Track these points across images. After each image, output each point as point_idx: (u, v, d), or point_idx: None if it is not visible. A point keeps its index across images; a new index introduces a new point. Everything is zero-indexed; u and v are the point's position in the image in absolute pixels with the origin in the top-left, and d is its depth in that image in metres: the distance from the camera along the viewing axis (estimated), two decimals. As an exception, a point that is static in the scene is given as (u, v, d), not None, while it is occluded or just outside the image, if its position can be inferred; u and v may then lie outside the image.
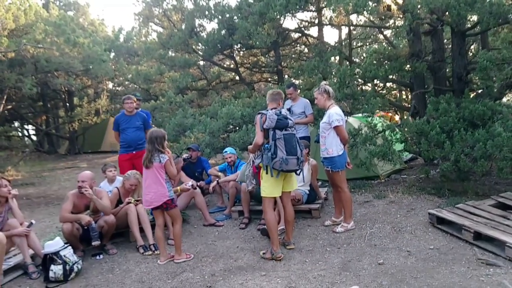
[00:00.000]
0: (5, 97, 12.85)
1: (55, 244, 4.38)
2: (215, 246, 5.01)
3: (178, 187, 5.67)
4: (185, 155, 6.56)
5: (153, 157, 4.40)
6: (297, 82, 9.53)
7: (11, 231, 4.35)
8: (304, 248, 4.63)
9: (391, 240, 4.61)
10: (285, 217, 4.67)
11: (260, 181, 4.97)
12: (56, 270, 4.20)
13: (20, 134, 21.16)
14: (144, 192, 4.55)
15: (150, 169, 4.43)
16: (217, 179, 6.48)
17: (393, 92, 11.96)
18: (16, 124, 20.10)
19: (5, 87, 11.52)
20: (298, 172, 4.44)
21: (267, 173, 4.33)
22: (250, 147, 4.60)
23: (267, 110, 4.41)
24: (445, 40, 9.13)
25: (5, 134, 16.61)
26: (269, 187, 4.40)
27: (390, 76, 7.81)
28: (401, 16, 7.12)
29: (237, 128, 8.46)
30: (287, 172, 4.37)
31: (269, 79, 15.20)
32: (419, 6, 6.51)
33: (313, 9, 10.51)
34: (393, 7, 7.07)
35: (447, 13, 6.76)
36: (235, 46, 12.31)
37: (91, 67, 12.92)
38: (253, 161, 4.74)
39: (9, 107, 15.27)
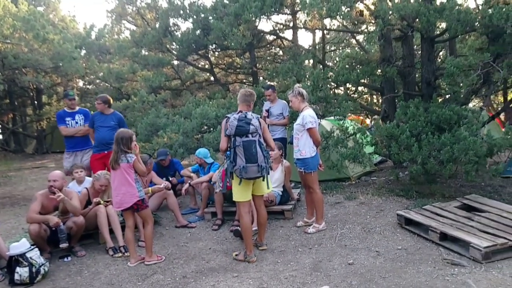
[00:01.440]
0: (-31, 93, 12.39)
1: (21, 245, 4.23)
2: (187, 248, 4.98)
3: (150, 188, 5.62)
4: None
5: (120, 158, 4.32)
6: (272, 84, 9.58)
7: (-26, 232, 4.19)
8: (276, 249, 4.66)
9: (361, 241, 4.70)
10: (258, 219, 4.66)
11: (226, 184, 5.00)
12: (22, 272, 4.06)
13: (-16, 132, 20.38)
14: (113, 194, 4.46)
15: (118, 170, 4.34)
16: (190, 181, 6.45)
17: (364, 96, 12.19)
18: (-19, 121, 19.36)
19: (-30, 83, 11.10)
20: (263, 179, 4.40)
21: (232, 178, 4.31)
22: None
23: (232, 114, 4.33)
24: (415, 46, 9.39)
25: (-31, 132, 15.99)
26: (239, 192, 4.35)
27: (362, 80, 7.96)
28: (373, 21, 7.28)
29: (211, 128, 8.42)
30: (249, 180, 4.30)
31: (244, 80, 15.22)
32: (390, 12, 6.67)
33: (288, 12, 10.61)
34: (366, 12, 7.22)
35: (417, 19, 6.97)
36: (210, 46, 12.26)
37: (61, 64, 12.60)
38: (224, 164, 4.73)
39: (-26, 104, 14.71)
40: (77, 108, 6.69)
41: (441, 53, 10.91)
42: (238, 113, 4.33)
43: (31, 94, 17.99)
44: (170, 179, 6.26)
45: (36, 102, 17.96)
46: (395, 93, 8.31)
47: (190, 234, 5.50)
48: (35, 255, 4.23)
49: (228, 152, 4.26)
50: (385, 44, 7.86)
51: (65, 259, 4.74)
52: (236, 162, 4.16)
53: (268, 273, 4.06)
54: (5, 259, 4.29)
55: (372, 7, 7.24)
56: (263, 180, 4.40)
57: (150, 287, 3.96)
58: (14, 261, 4.12)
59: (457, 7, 6.20)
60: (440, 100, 7.61)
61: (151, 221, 4.56)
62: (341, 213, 5.73)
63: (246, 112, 4.34)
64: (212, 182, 6.01)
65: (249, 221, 4.47)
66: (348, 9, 6.74)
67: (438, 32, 7.86)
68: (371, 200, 6.17)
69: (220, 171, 5.69)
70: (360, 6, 7.48)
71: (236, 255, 4.51)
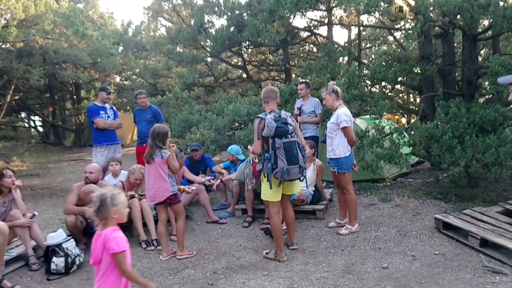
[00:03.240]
0: (12, 87, 12.89)
1: (58, 236, 4.36)
2: (217, 244, 4.98)
3: (181, 187, 5.65)
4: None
5: (154, 153, 4.36)
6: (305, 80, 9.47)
7: (14, 221, 4.33)
8: (307, 249, 4.59)
9: (396, 244, 4.55)
10: (285, 219, 4.60)
11: (256, 179, 4.94)
12: (58, 262, 4.18)
13: (26, 125, 21.30)
14: (147, 187, 4.52)
15: (152, 164, 4.39)
16: (221, 177, 6.46)
17: (400, 94, 11.86)
18: (23, 115, 20.24)
19: (13, 77, 11.52)
20: (301, 179, 4.33)
21: (267, 180, 4.18)
22: (250, 148, 4.48)
23: (265, 114, 4.21)
24: (455, 44, 9.03)
25: (12, 124, 16.72)
26: (269, 192, 4.24)
27: (399, 78, 7.72)
28: (413, 18, 7.04)
29: (243, 125, 8.42)
30: (289, 181, 4.24)
31: (276, 78, 15.15)
32: (431, 8, 6.43)
33: (324, 8, 10.44)
34: (405, 8, 6.98)
35: (458, 16, 6.68)
36: (243, 43, 12.26)
37: (99, 60, 12.91)
38: (253, 160, 4.66)
39: (16, 97, 15.34)
40: (107, 104, 6.79)
41: (482, 51, 10.46)
42: (270, 112, 4.23)
43: (70, 88, 18.63)
44: (207, 179, 6.30)
45: (75, 96, 18.58)
46: (434, 92, 8.01)
47: (221, 230, 5.50)
48: (71, 245, 4.35)
49: (266, 155, 4.13)
50: (425, 41, 7.60)
51: (99, 251, 4.83)
52: (278, 165, 4.05)
53: (299, 273, 4.00)
54: (42, 249, 4.43)
55: (412, 3, 6.99)
56: (302, 180, 4.34)
57: (181, 281, 3.97)
58: (51, 251, 4.24)
59: (502, 3, 5.89)
60: (482, 100, 7.29)
61: (183, 215, 4.59)
62: (375, 215, 5.57)
63: (279, 111, 4.25)
64: (236, 179, 5.98)
65: (279, 221, 4.42)
66: (387, 4, 6.54)
67: (480, 30, 7.53)
68: (407, 202, 5.97)
69: (250, 167, 5.64)
70: (399, 1, 7.25)
71: (267, 253, 4.47)
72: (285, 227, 4.88)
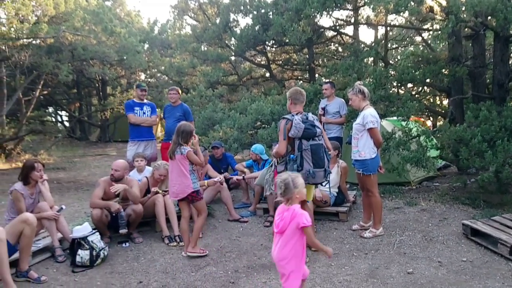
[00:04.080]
0: (41, 82, 13.23)
1: (84, 229, 4.43)
2: (239, 242, 4.98)
3: (206, 181, 5.68)
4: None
5: (176, 150, 4.39)
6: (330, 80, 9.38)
7: (41, 213, 4.42)
8: (330, 251, 4.52)
9: (422, 249, 4.44)
10: None
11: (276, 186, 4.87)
12: (83, 255, 4.25)
13: (53, 120, 21.82)
14: (170, 184, 4.55)
15: (174, 161, 4.42)
16: (243, 175, 6.45)
17: (427, 96, 11.60)
18: (51, 109, 20.75)
19: (43, 72, 11.83)
20: (324, 183, 4.25)
21: None
22: (273, 151, 4.42)
23: (292, 115, 4.16)
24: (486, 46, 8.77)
25: (40, 118, 17.16)
26: None
27: (427, 80, 7.55)
28: (443, 18, 6.86)
29: (266, 125, 8.40)
30: (313, 185, 4.18)
31: (300, 77, 15.06)
32: (463, 9, 6.26)
33: (350, 7, 10.31)
34: (436, 8, 6.81)
35: (489, 17, 6.49)
36: (268, 42, 12.23)
37: (125, 57, 13.13)
38: (275, 165, 4.59)
39: (45, 92, 15.72)
40: (145, 100, 6.91)
41: (512, 54, 10.12)
42: (297, 114, 4.18)
43: (97, 85, 18.98)
44: (224, 175, 6.29)
45: (101, 93, 18.93)
46: (463, 94, 7.80)
47: (242, 229, 5.49)
48: (96, 239, 4.41)
49: (292, 156, 4.08)
50: (455, 42, 7.40)
51: (123, 245, 4.90)
52: (303, 167, 4.00)
53: (321, 275, 3.95)
54: (68, 241, 4.51)
55: (444, 3, 6.81)
56: (324, 186, 4.29)
57: (203, 278, 3.98)
58: (77, 243, 4.31)
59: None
60: (513, 103, 7.06)
61: (204, 213, 4.59)
62: (400, 219, 5.46)
63: (306, 114, 4.21)
64: (257, 184, 5.95)
65: None
66: (417, 4, 6.39)
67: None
68: (433, 207, 5.83)
69: (272, 172, 5.63)
70: (429, 1, 7.08)
71: (289, 254, 4.43)
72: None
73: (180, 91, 7.15)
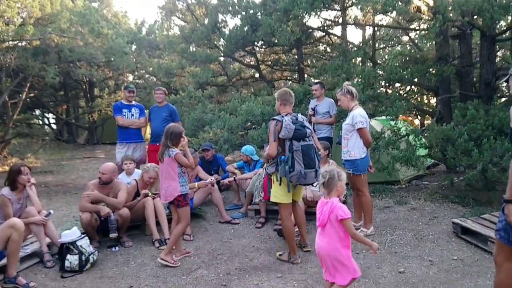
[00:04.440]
0: (28, 85, 13.02)
1: (72, 233, 4.37)
2: (230, 244, 4.95)
3: (196, 183, 5.64)
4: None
5: (165, 152, 4.33)
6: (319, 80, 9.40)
7: (29, 218, 4.35)
8: (322, 252, 4.52)
9: (413, 248, 4.47)
10: (296, 220, 4.51)
11: (265, 194, 4.92)
12: (72, 260, 4.19)
13: (40, 122, 21.49)
14: (160, 186, 4.49)
15: (163, 163, 4.35)
16: (234, 176, 6.43)
17: (414, 96, 11.68)
18: (37, 112, 20.43)
19: (29, 75, 11.64)
20: (315, 184, 4.26)
21: (280, 184, 4.13)
22: (264, 156, 4.39)
23: (282, 116, 4.14)
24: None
25: (27, 121, 16.84)
26: (281, 194, 4.20)
27: (415, 79, 7.60)
28: (430, 18, 6.92)
29: (256, 125, 8.37)
30: (304, 185, 4.19)
31: (289, 78, 15.07)
32: (450, 8, 6.32)
33: (338, 8, 10.34)
34: (423, 8, 6.87)
35: (475, 16, 6.56)
36: (257, 43, 12.20)
37: (113, 58, 12.95)
38: (266, 171, 4.57)
39: (31, 95, 15.48)
40: (133, 102, 6.83)
41: (499, 53, 10.26)
42: (287, 115, 4.18)
43: (84, 87, 18.76)
44: (214, 177, 6.25)
45: (88, 94, 18.71)
46: (450, 93, 7.88)
47: (234, 231, 5.47)
48: (85, 243, 4.35)
49: (283, 157, 4.06)
50: (442, 41, 7.47)
51: (113, 249, 4.84)
52: (295, 168, 3.98)
53: (313, 276, 3.95)
54: (57, 246, 4.44)
55: (431, 3, 6.87)
56: (315, 186, 4.30)
57: (194, 282, 3.95)
58: (65, 248, 4.25)
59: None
60: (500, 102, 7.16)
61: (185, 221, 4.41)
62: (391, 218, 5.49)
63: (296, 114, 4.21)
64: (248, 191, 5.95)
65: (291, 223, 4.36)
66: (405, 4, 6.43)
67: (498, 31, 7.38)
68: (423, 205, 5.87)
69: (260, 180, 5.65)
70: (416, 1, 7.13)
71: (280, 255, 4.42)
72: (297, 229, 4.83)
73: (166, 92, 7.09)
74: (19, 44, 10.47)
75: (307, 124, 4.16)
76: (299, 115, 4.20)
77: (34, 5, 9.83)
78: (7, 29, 9.15)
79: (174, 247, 4.50)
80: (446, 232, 4.83)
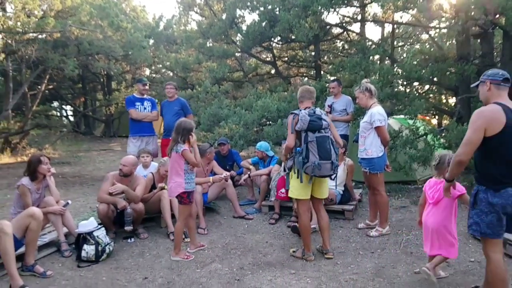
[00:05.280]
0: (47, 77, 13.25)
1: (89, 224, 4.44)
2: (244, 239, 4.96)
3: (211, 178, 5.66)
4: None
5: (173, 147, 4.27)
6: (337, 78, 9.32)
7: (47, 208, 4.42)
8: (336, 250, 4.50)
9: (428, 249, 4.41)
10: (320, 224, 4.40)
11: (278, 193, 4.90)
12: (88, 250, 4.25)
13: (58, 114, 21.86)
14: (168, 181, 4.45)
15: (171, 158, 4.31)
16: (249, 172, 6.44)
17: (433, 95, 11.50)
18: (56, 104, 20.78)
19: (48, 67, 11.84)
20: (332, 177, 4.23)
21: (297, 177, 4.10)
22: (282, 154, 4.36)
23: (300, 110, 4.15)
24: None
25: (45, 113, 17.19)
26: (298, 189, 4.17)
27: (435, 78, 7.48)
28: (452, 16, 6.79)
29: (272, 122, 8.36)
30: (320, 177, 4.15)
31: (305, 74, 14.99)
32: (472, 7, 6.19)
33: (357, 4, 10.22)
34: (445, 6, 6.75)
35: (498, 15, 6.41)
36: (274, 38, 12.15)
37: (131, 52, 13.08)
38: (285, 168, 4.55)
39: (50, 87, 15.76)
40: (146, 95, 6.88)
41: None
42: (305, 108, 4.17)
43: (102, 80, 19.01)
44: (230, 173, 6.26)
45: (106, 88, 18.96)
46: (471, 93, 7.72)
47: (247, 226, 5.48)
48: (101, 234, 4.41)
49: (298, 149, 4.06)
50: (464, 40, 7.33)
51: (129, 240, 4.90)
52: (309, 159, 3.96)
53: (327, 273, 3.93)
54: (74, 236, 4.52)
55: (453, 1, 6.74)
56: (333, 179, 4.25)
57: (208, 275, 3.97)
58: (82, 238, 4.32)
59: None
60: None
61: (183, 218, 4.39)
62: (407, 218, 5.43)
63: (314, 108, 4.20)
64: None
65: (308, 219, 4.31)
66: (426, 1, 6.32)
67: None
68: (439, 206, 5.78)
69: (277, 179, 5.65)
70: (438, -1, 7.02)
71: (294, 251, 4.42)
72: (313, 225, 4.80)
73: (177, 86, 7.10)
74: (40, 36, 10.66)
75: (324, 117, 4.12)
76: (318, 109, 4.20)
77: (55, -2, 9.98)
78: (28, 21, 9.31)
79: (192, 238, 4.61)
80: (463, 233, 4.75)
